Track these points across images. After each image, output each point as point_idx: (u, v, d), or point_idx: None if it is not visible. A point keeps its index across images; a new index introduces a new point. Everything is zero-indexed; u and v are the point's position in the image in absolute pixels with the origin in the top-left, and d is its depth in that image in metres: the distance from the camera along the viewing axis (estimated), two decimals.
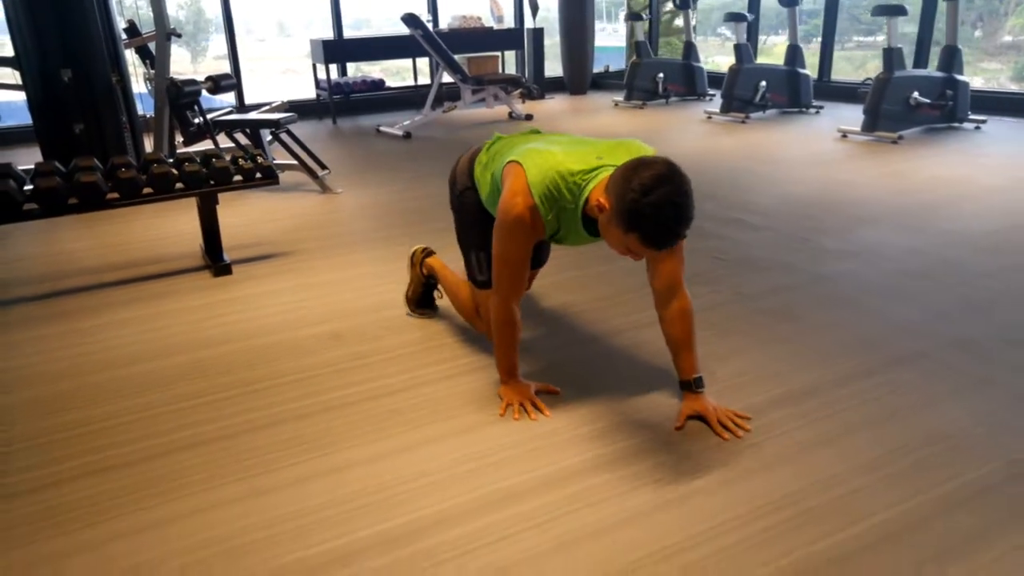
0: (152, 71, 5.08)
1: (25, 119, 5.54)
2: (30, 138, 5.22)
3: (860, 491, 1.70)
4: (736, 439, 1.91)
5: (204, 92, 5.11)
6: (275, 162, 5.05)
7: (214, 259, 3.34)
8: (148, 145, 5.61)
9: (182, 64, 8.88)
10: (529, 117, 7.74)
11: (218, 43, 8.13)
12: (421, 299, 2.75)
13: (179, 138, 5.28)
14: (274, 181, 3.34)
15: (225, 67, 8.22)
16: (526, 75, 9.59)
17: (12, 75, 5.28)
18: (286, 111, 5.14)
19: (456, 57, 7.55)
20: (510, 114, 7.82)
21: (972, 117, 6.29)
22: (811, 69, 7.63)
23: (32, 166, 3.12)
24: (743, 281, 3.02)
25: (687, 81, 8.52)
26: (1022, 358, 2.32)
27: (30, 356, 2.57)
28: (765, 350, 2.42)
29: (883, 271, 3.09)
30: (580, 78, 9.74)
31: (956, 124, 6.32)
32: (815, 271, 3.13)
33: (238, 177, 3.29)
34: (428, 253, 2.69)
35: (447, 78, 7.58)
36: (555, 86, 9.89)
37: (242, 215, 4.35)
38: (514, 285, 2.04)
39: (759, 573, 1.46)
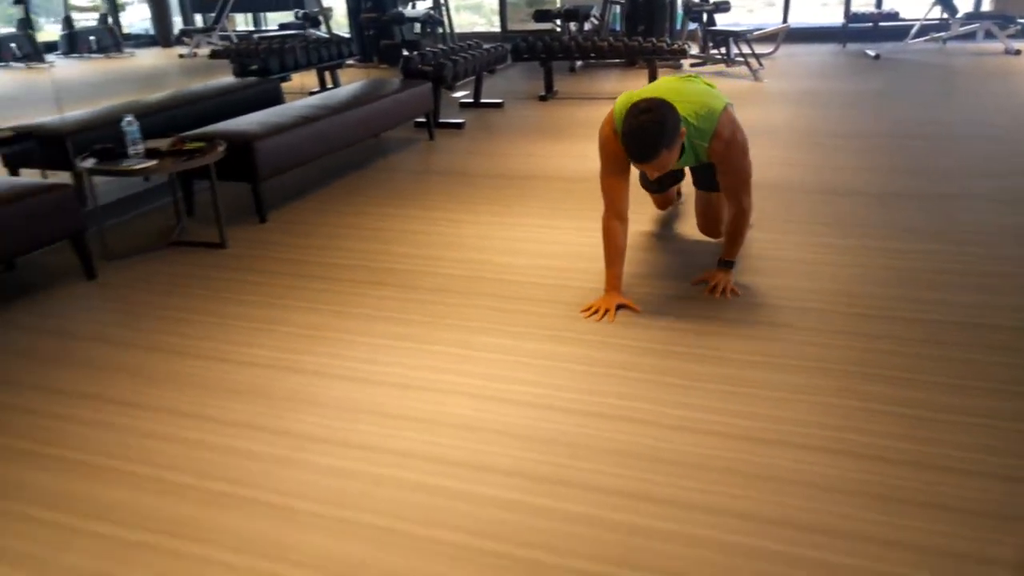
0: None
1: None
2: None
3: None
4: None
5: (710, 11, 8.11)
6: (735, 58, 7.81)
7: None
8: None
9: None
10: (1018, 52, 8.37)
11: None
12: None
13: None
14: (682, 56, 6.29)
15: None
16: None
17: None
18: (778, 32, 7.70)
19: None
20: (1005, 49, 8.55)
21: None
22: None
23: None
24: None
25: None
26: None
27: (533, 117, 6.21)
28: None
29: None
30: None
31: None
32: None
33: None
34: None
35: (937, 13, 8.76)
36: None
37: None
38: (608, 198, 2.49)
39: None
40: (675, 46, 6.33)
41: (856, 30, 10.10)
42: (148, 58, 11.15)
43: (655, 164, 2.21)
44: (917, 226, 3.21)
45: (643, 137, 2.14)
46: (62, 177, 3.33)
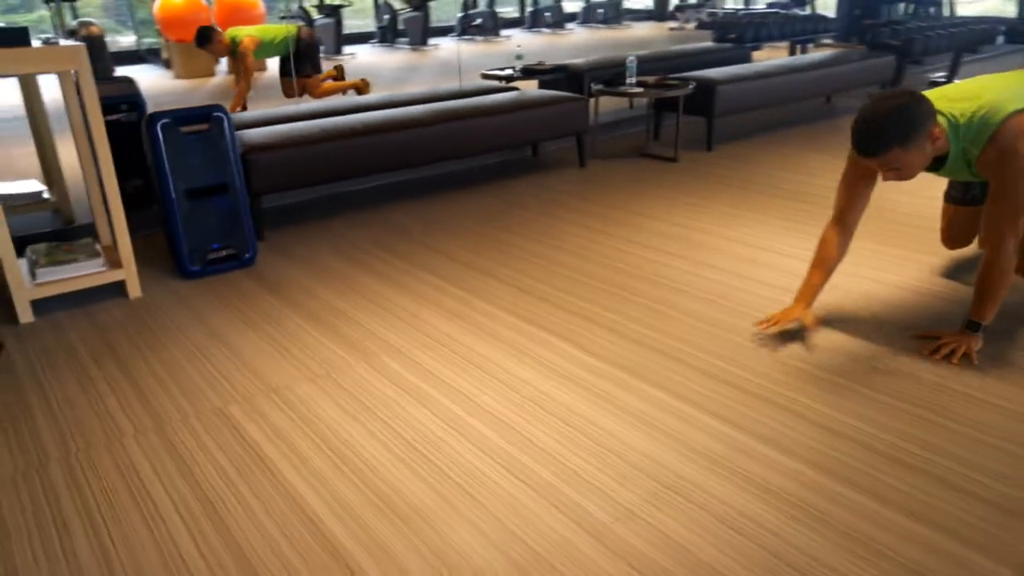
0: None
1: None
2: None
3: None
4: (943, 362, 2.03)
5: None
6: None
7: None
8: None
9: None
10: None
11: None
12: None
13: None
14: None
15: None
16: None
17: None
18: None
19: None
20: None
21: None
22: None
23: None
24: None
25: None
26: None
27: None
28: None
29: None
30: None
31: None
32: None
33: None
34: None
35: None
36: None
37: None
38: (838, 203, 2.17)
39: None
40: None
41: None
42: (643, 30, 12.81)
43: (881, 161, 1.86)
44: None
45: (872, 125, 1.82)
46: None
